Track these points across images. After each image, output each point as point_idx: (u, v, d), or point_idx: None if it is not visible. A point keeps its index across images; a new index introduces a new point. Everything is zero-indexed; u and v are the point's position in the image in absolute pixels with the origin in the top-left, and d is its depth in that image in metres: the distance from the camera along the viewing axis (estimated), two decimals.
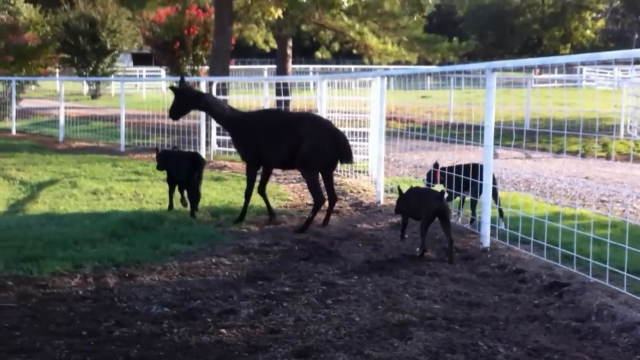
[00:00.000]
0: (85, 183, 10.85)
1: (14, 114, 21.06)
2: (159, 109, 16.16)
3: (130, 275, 5.99)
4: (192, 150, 12.81)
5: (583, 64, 24.94)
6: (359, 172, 11.66)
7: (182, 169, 8.54)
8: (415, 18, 26.15)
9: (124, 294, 5.48)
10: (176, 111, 8.56)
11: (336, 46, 29.59)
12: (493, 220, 7.14)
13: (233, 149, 11.62)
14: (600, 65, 32.27)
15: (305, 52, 51.57)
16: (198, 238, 7.30)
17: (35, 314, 5.01)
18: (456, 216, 8.01)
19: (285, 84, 18.27)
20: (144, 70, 45.94)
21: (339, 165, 8.70)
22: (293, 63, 31.24)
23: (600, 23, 71.95)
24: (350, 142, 10.15)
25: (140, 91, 35.66)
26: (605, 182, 11.66)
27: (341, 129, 12.60)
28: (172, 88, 8.63)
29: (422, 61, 30.37)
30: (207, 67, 26.70)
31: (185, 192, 8.65)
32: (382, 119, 9.69)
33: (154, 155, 9.35)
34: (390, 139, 10.44)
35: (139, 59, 58.81)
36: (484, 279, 6.12)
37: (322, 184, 8.24)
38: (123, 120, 16.55)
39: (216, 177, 11.90)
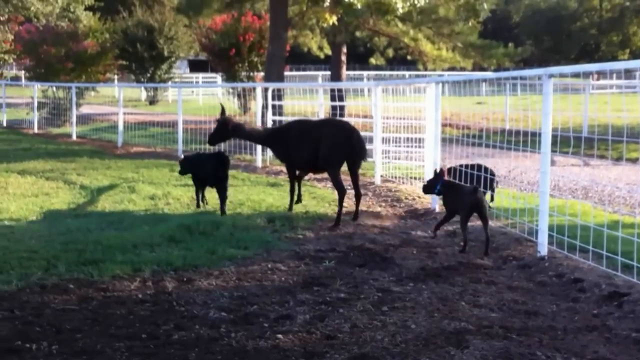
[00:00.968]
0: (143, 188, 11.03)
1: (74, 119, 21.49)
2: (215, 115, 16.31)
3: (188, 279, 6.08)
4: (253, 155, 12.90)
5: None
6: (414, 178, 11.61)
7: (209, 168, 9.29)
8: (470, 24, 25.98)
9: (182, 297, 5.57)
10: (215, 138, 9.78)
11: (390, 52, 29.60)
12: (551, 229, 7.03)
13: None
14: None
15: (360, 59, 51.62)
16: (254, 243, 7.36)
17: (96, 316, 5.12)
18: (508, 224, 7.93)
19: (339, 90, 18.35)
20: (200, 76, 46.45)
21: (395, 171, 9.07)
22: (347, 69, 31.29)
23: None
24: (405, 149, 10.29)
25: (197, 97, 36.07)
26: None
27: (396, 135, 12.68)
28: (218, 120, 9.67)
29: (477, 67, 30.15)
30: (262, 74, 26.93)
31: (201, 193, 9.58)
32: (437, 126, 9.65)
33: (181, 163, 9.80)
34: (446, 145, 10.39)
35: (195, 66, 59.56)
36: (541, 287, 6.05)
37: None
38: (180, 126, 16.75)
39: (272, 182, 11.99)
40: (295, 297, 5.60)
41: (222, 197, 9.07)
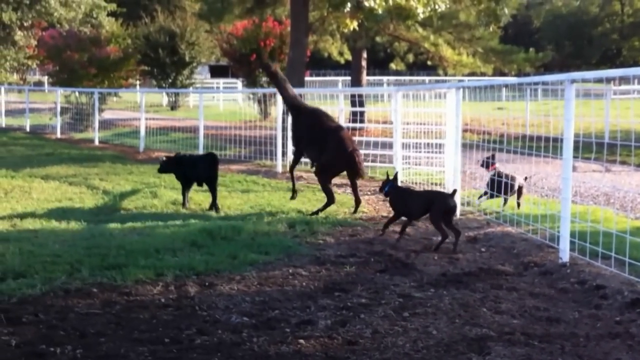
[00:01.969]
0: (165, 193, 11.11)
1: (96, 124, 21.68)
2: (235, 120, 16.42)
3: (210, 284, 6.12)
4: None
5: None
6: (435, 184, 11.60)
7: (201, 169, 10.17)
8: (490, 29, 25.91)
9: (204, 302, 5.60)
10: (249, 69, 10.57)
11: (410, 57, 29.55)
12: (572, 235, 7.00)
13: (308, 160, 11.83)
14: None
15: (380, 64, 51.67)
16: (275, 248, 7.39)
17: (120, 320, 5.16)
18: (530, 231, 7.91)
19: (360, 96, 18.32)
20: (221, 82, 46.60)
21: (416, 177, 9.50)
22: (367, 75, 31.29)
23: None
24: (426, 154, 10.43)
25: (218, 103, 36.22)
26: None
27: (416, 140, 12.67)
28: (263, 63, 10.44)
29: (497, 72, 30.05)
30: None
31: (187, 195, 10.23)
32: (458, 131, 9.64)
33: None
34: (466, 150, 10.37)
35: (216, 71, 59.81)
36: (563, 294, 6.03)
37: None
38: (202, 131, 16.85)
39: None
40: (316, 302, 5.63)
41: (214, 195, 10.08)
